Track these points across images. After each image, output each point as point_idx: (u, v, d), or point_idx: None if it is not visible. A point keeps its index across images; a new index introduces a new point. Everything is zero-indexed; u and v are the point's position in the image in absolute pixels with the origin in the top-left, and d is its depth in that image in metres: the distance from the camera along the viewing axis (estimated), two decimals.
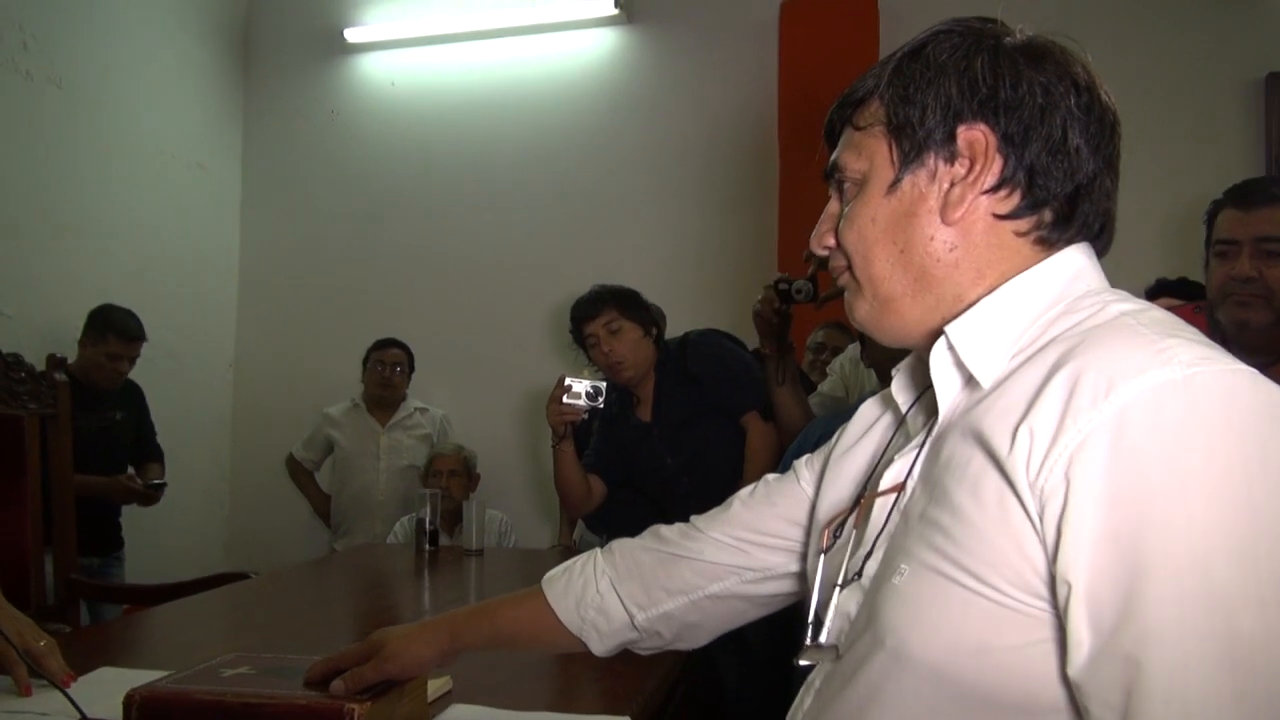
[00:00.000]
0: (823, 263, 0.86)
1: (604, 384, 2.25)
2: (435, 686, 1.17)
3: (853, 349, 2.54)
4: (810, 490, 0.95)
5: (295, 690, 0.98)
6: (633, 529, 1.08)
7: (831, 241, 0.83)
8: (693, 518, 1.03)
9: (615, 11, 3.95)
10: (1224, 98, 3.42)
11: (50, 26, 3.46)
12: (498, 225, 4.13)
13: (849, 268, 0.81)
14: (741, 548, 0.97)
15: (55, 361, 2.32)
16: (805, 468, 0.98)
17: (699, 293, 3.65)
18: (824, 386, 2.45)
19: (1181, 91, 3.39)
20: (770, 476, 1.01)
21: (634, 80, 4.06)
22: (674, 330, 2.65)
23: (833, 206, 0.84)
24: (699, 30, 3.98)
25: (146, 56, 3.95)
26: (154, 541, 3.53)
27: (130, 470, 3.25)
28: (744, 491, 1.01)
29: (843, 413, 1.44)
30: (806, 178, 3.49)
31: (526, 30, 4.12)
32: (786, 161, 3.62)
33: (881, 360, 2.05)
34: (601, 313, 2.38)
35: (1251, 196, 1.57)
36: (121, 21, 3.81)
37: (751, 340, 2.54)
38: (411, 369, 3.80)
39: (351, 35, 4.27)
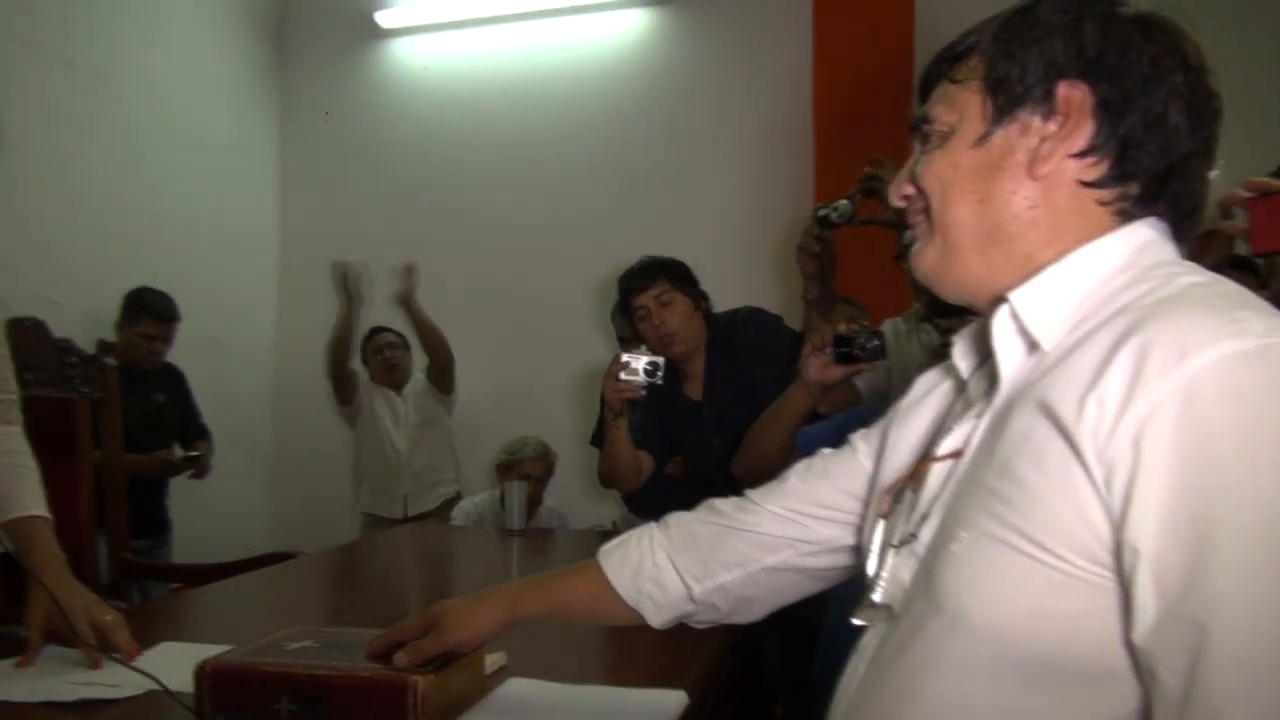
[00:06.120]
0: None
1: (661, 360, 2.17)
2: (491, 661, 1.19)
3: (890, 324, 2.49)
4: (868, 463, 0.95)
5: (358, 663, 1.00)
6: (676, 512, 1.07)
7: (910, 189, 0.83)
8: (747, 491, 1.03)
9: None
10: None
11: (91, 15, 3.50)
12: (534, 207, 4.14)
13: (925, 210, 0.81)
14: (797, 520, 0.98)
15: (105, 347, 2.36)
16: (862, 440, 0.98)
17: (733, 276, 3.62)
18: None
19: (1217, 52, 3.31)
20: (826, 450, 1.01)
21: (667, 62, 4.04)
22: None
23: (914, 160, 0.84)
24: (732, 11, 3.95)
25: (186, 44, 4.00)
26: (199, 524, 3.58)
27: (176, 447, 3.31)
28: (800, 465, 1.01)
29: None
30: (842, 162, 3.46)
31: (559, 12, 4.12)
32: (822, 144, 3.58)
33: (942, 318, 2.01)
34: (652, 284, 2.31)
35: None
36: (161, 9, 3.86)
37: (791, 321, 2.52)
38: (407, 346, 3.93)
39: (383, 19, 4.28)
